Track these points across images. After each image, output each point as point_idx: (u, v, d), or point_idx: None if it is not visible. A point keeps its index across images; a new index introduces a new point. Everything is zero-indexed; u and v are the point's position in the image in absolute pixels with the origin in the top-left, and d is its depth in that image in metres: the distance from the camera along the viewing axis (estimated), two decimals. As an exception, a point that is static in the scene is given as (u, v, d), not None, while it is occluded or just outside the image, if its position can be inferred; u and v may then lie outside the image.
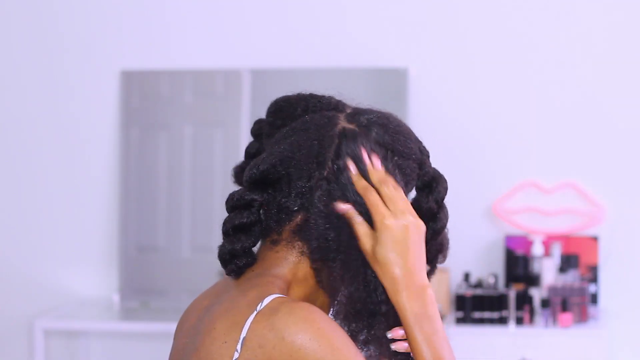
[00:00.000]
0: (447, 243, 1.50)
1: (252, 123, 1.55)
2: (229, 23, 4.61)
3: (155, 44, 4.65)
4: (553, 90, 4.46)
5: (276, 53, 4.58)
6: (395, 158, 1.44)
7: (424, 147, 1.49)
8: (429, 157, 1.49)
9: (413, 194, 1.49)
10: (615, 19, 4.43)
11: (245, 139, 4.42)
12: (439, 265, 1.51)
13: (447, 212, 1.49)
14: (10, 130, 4.72)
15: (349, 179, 1.40)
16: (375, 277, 1.40)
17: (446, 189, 1.49)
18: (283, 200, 1.42)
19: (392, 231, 1.38)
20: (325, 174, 1.42)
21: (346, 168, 1.41)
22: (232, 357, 1.33)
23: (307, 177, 1.42)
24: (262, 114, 1.57)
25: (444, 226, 1.48)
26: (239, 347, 1.33)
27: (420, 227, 1.40)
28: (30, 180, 4.72)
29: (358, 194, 1.40)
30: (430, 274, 1.47)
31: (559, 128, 4.45)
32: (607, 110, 4.43)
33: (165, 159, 4.64)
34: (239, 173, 1.52)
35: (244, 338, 1.33)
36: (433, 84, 4.50)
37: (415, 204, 1.47)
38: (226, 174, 4.55)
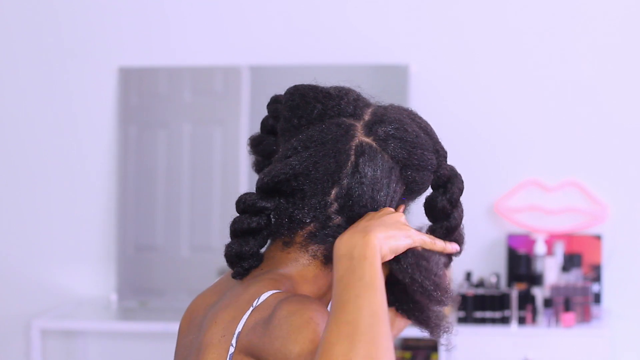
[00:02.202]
0: (462, 240, 1.54)
1: (256, 116, 1.58)
2: (228, 19, 4.57)
3: (153, 40, 4.62)
4: (555, 88, 4.43)
5: (276, 49, 4.55)
6: (409, 172, 1.45)
7: (441, 147, 1.51)
8: (446, 157, 1.51)
9: (428, 192, 1.52)
10: (618, 17, 4.40)
11: (245, 136, 4.37)
12: None
13: (461, 211, 1.53)
14: (7, 128, 4.69)
15: (361, 198, 1.41)
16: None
17: (461, 190, 1.53)
18: (296, 212, 1.43)
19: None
20: (340, 191, 1.42)
21: (361, 185, 1.41)
22: (229, 352, 1.35)
23: (321, 194, 1.43)
24: (262, 112, 1.58)
25: (457, 225, 1.53)
26: (234, 341, 1.35)
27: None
28: (27, 178, 4.68)
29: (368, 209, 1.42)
30: (446, 266, 1.50)
31: (561, 126, 4.42)
32: (610, 108, 4.40)
33: (164, 157, 4.60)
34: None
35: (238, 332, 1.35)
36: (434, 80, 4.47)
37: (431, 202, 1.51)
38: (225, 172, 4.51)
